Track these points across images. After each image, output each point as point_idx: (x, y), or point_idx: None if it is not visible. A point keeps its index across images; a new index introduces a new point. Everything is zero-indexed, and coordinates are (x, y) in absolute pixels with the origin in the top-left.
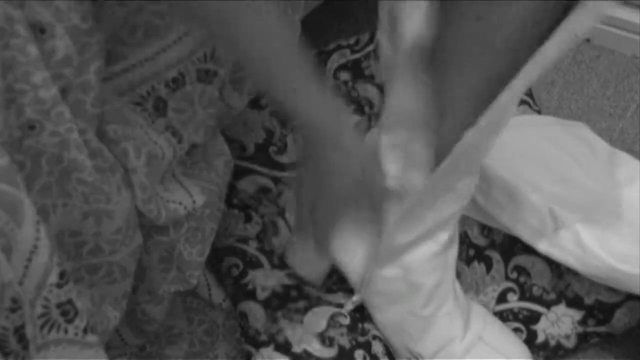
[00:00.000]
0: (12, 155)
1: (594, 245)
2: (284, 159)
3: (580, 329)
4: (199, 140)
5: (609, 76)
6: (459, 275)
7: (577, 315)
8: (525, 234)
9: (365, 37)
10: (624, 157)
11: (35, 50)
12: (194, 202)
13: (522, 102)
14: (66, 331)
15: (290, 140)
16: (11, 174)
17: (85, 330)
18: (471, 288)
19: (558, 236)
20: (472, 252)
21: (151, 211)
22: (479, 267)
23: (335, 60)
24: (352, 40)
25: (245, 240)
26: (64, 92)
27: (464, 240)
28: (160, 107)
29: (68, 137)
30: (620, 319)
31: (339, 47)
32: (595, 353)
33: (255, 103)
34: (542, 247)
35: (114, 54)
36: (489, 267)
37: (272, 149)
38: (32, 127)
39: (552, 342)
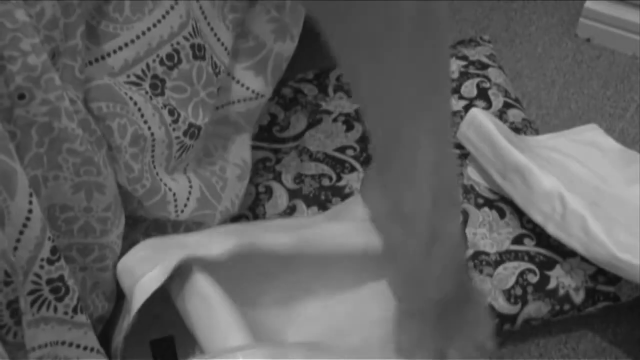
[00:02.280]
0: (3, 125)
1: (598, 231)
2: (285, 134)
3: (590, 284)
4: (197, 121)
5: (609, 76)
6: (467, 216)
7: (590, 269)
8: (536, 217)
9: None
10: (634, 156)
11: (24, 16)
12: (185, 205)
13: (523, 119)
14: (56, 309)
15: (293, 119)
16: (3, 142)
17: (75, 310)
18: (483, 226)
19: (565, 220)
20: (481, 201)
21: (136, 190)
22: (490, 212)
23: (337, 71)
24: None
25: (237, 219)
26: (53, 57)
27: (470, 191)
28: (158, 86)
29: (59, 105)
30: (629, 281)
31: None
32: (600, 323)
33: None
34: (551, 230)
35: (104, 33)
36: (502, 215)
37: (275, 128)
38: (21, 96)
39: (562, 291)
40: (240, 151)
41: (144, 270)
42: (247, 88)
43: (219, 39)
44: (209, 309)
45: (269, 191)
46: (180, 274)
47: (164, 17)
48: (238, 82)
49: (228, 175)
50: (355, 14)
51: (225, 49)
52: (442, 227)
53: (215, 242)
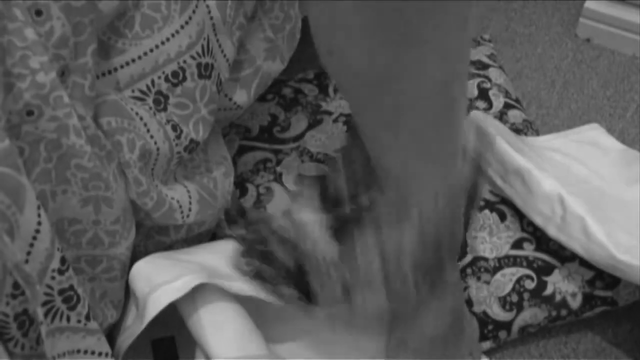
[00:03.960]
0: (11, 141)
1: (599, 233)
2: (286, 135)
3: (587, 290)
4: (198, 137)
5: (609, 76)
6: (470, 220)
7: (587, 275)
8: (537, 219)
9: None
10: (636, 156)
11: (33, 34)
12: (189, 209)
13: (524, 120)
14: (69, 319)
15: (294, 120)
16: (12, 157)
17: (87, 317)
18: (484, 229)
19: (565, 222)
20: (481, 203)
21: (146, 204)
22: (491, 215)
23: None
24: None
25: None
26: (62, 75)
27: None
28: (161, 102)
29: (67, 122)
30: (627, 286)
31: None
32: (600, 323)
33: (261, 97)
34: (551, 232)
35: (113, 48)
36: (502, 218)
37: (275, 129)
38: (30, 113)
39: (559, 297)
40: (218, 149)
41: (162, 280)
42: (230, 99)
43: (224, 55)
44: (225, 320)
45: (270, 192)
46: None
47: (173, 35)
48: (221, 91)
49: (215, 174)
50: (384, 86)
51: (229, 65)
52: (441, 278)
53: (231, 279)
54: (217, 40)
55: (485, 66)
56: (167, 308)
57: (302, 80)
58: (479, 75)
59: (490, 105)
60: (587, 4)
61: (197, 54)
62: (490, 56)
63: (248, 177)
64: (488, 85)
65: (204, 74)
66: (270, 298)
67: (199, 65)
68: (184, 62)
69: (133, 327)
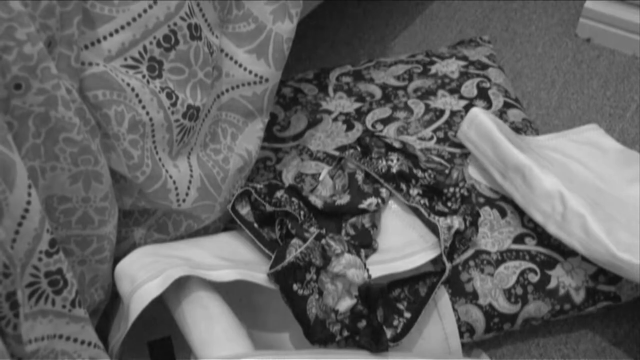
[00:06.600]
0: (0, 116)
1: (598, 231)
2: (285, 134)
3: (591, 284)
4: (196, 102)
5: (609, 76)
6: (478, 217)
7: (591, 269)
8: (537, 216)
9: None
10: (635, 156)
11: (19, 5)
12: (186, 194)
13: (524, 119)
14: (54, 302)
15: (293, 119)
16: (2, 132)
17: (73, 304)
18: (484, 225)
19: (565, 220)
20: (482, 200)
21: (137, 177)
22: (492, 211)
23: (336, 71)
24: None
25: (232, 221)
26: (49, 45)
27: (471, 190)
28: (155, 68)
29: (55, 94)
30: (629, 281)
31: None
32: (600, 323)
33: None
34: (552, 229)
35: (99, 16)
36: (503, 214)
37: (275, 127)
38: (18, 86)
39: (562, 291)
40: (248, 141)
41: (144, 278)
42: (250, 72)
43: (206, 20)
44: (208, 317)
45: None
46: (177, 280)
47: None
48: (240, 66)
49: (230, 167)
50: None
51: (211, 29)
52: None
53: (215, 268)
54: (198, 5)
55: (485, 66)
56: (163, 309)
57: (302, 80)
58: (478, 75)
59: (489, 104)
60: (587, 4)
61: (187, 14)
62: (489, 56)
63: (248, 176)
64: (487, 84)
65: (195, 35)
66: (257, 280)
67: (189, 26)
68: (175, 24)
69: (122, 329)
